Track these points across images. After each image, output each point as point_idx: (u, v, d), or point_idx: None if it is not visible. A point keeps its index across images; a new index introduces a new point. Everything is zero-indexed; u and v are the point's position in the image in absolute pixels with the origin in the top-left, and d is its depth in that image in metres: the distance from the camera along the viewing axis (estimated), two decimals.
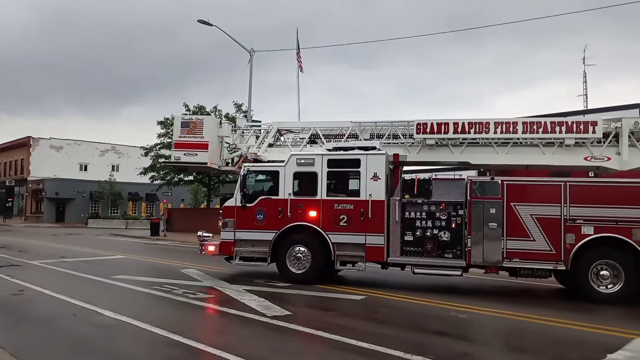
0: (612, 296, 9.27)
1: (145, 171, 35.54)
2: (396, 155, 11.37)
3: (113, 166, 54.81)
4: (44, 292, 9.40)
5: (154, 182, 36.60)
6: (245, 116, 29.18)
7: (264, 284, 10.60)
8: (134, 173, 39.73)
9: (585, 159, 10.47)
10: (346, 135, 11.95)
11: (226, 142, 12.87)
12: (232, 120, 30.36)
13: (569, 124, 10.37)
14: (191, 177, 34.20)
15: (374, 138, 11.78)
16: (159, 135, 33.59)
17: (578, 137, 10.36)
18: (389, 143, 11.69)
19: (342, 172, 10.96)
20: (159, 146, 33.85)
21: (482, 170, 10.89)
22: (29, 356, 5.63)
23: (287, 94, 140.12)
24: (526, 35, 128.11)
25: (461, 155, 11.10)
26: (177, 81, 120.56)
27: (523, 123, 10.54)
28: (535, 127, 10.48)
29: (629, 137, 10.31)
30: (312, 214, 10.83)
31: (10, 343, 6.04)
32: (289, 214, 10.91)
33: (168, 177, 34.16)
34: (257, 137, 13.05)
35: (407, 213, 10.57)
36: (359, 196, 10.64)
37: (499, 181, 9.96)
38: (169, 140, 28.30)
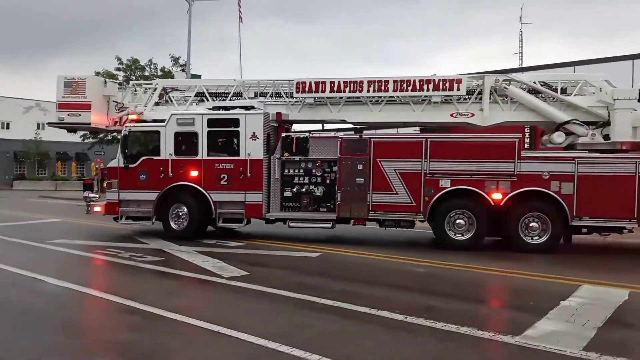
0: (465, 243, 10.11)
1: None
2: (279, 114, 11.60)
3: (39, 124, 51.87)
4: None
5: (85, 141, 35.10)
6: (184, 70, 28.24)
7: (215, 244, 10.51)
8: (62, 131, 37.73)
9: (452, 115, 11.03)
10: (231, 94, 11.99)
11: (113, 101, 12.64)
12: (168, 74, 29.41)
13: (436, 82, 10.84)
14: None
15: (258, 96, 11.88)
16: None
17: (444, 94, 10.86)
18: (273, 102, 11.84)
19: (222, 131, 11.12)
20: None
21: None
22: None
23: (226, 48, 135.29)
24: None
25: (339, 114, 11.44)
26: (110, 33, 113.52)
27: (394, 81, 10.92)
28: (405, 85, 10.89)
29: (491, 94, 10.90)
30: (194, 173, 11.03)
31: None
32: (170, 174, 11.06)
33: (100, 136, 32.71)
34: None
35: (286, 170, 11.05)
36: (238, 155, 10.91)
37: (367, 139, 10.47)
38: None
